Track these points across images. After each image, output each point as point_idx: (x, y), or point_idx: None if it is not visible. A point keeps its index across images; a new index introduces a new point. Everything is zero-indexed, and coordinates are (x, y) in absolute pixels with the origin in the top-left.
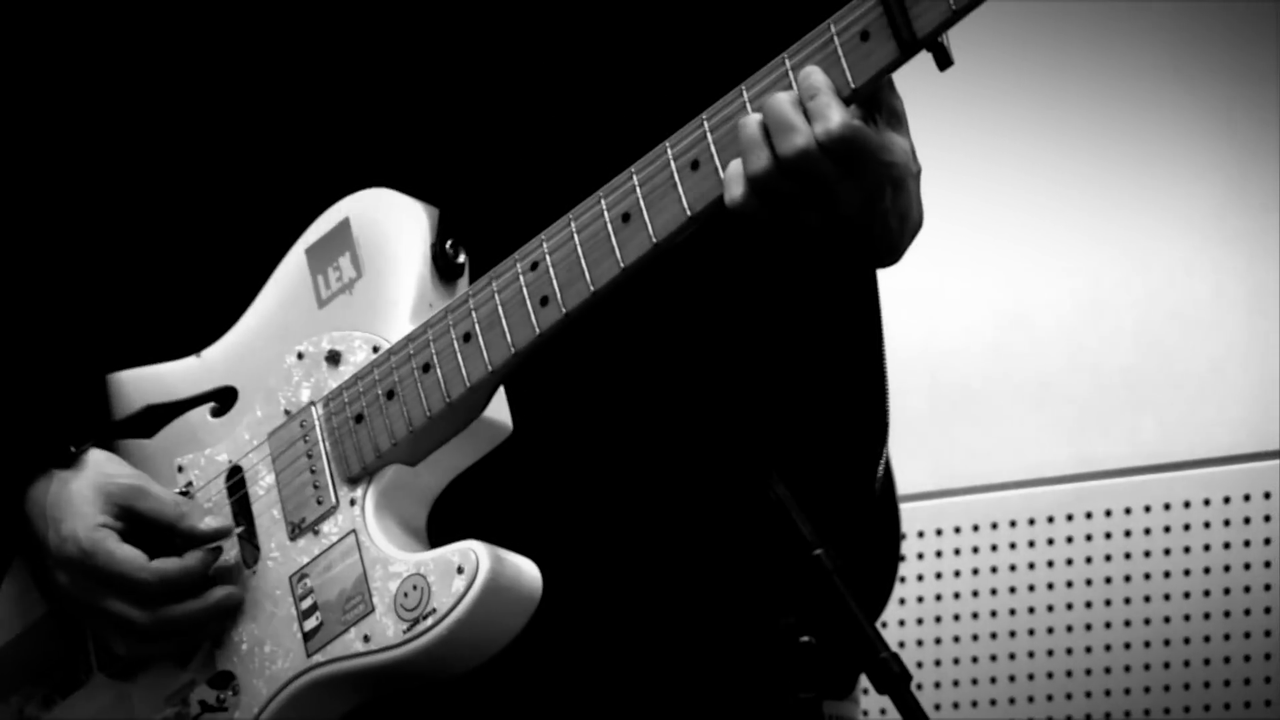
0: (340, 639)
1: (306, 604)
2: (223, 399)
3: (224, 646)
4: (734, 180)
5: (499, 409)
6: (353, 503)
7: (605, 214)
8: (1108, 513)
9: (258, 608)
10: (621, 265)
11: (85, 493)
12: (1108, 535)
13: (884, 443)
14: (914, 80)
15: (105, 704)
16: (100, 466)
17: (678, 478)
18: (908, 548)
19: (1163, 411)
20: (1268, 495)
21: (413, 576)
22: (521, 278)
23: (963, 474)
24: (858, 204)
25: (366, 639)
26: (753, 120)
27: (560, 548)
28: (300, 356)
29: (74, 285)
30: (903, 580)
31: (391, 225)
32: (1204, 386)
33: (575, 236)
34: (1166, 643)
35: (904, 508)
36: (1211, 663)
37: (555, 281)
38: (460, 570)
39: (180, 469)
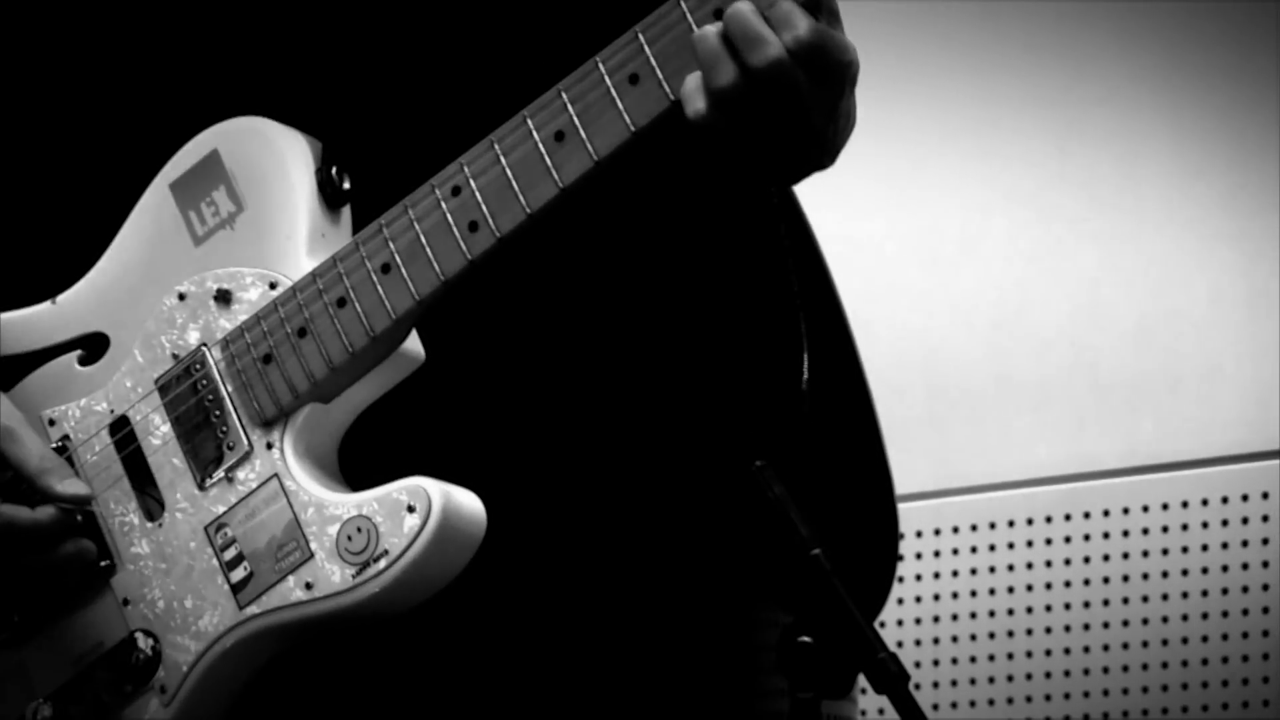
0: (276, 589)
1: (230, 554)
2: (90, 346)
3: (136, 605)
4: (693, 95)
5: (412, 340)
6: (269, 446)
7: (535, 134)
8: (1106, 513)
9: (172, 562)
10: (561, 185)
11: None
12: (1106, 535)
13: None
14: (913, 83)
15: (1, 673)
16: None
17: (611, 419)
18: (906, 547)
19: (1161, 412)
20: (1266, 495)
21: (355, 519)
22: (444, 204)
23: (961, 474)
24: (826, 109)
25: (309, 586)
26: (711, 33)
27: (477, 482)
28: (182, 297)
29: None
30: (901, 580)
31: (270, 155)
32: (1202, 387)
33: (502, 159)
34: (1165, 643)
35: (902, 508)
36: (1210, 663)
37: (484, 206)
38: (412, 509)
39: (51, 422)
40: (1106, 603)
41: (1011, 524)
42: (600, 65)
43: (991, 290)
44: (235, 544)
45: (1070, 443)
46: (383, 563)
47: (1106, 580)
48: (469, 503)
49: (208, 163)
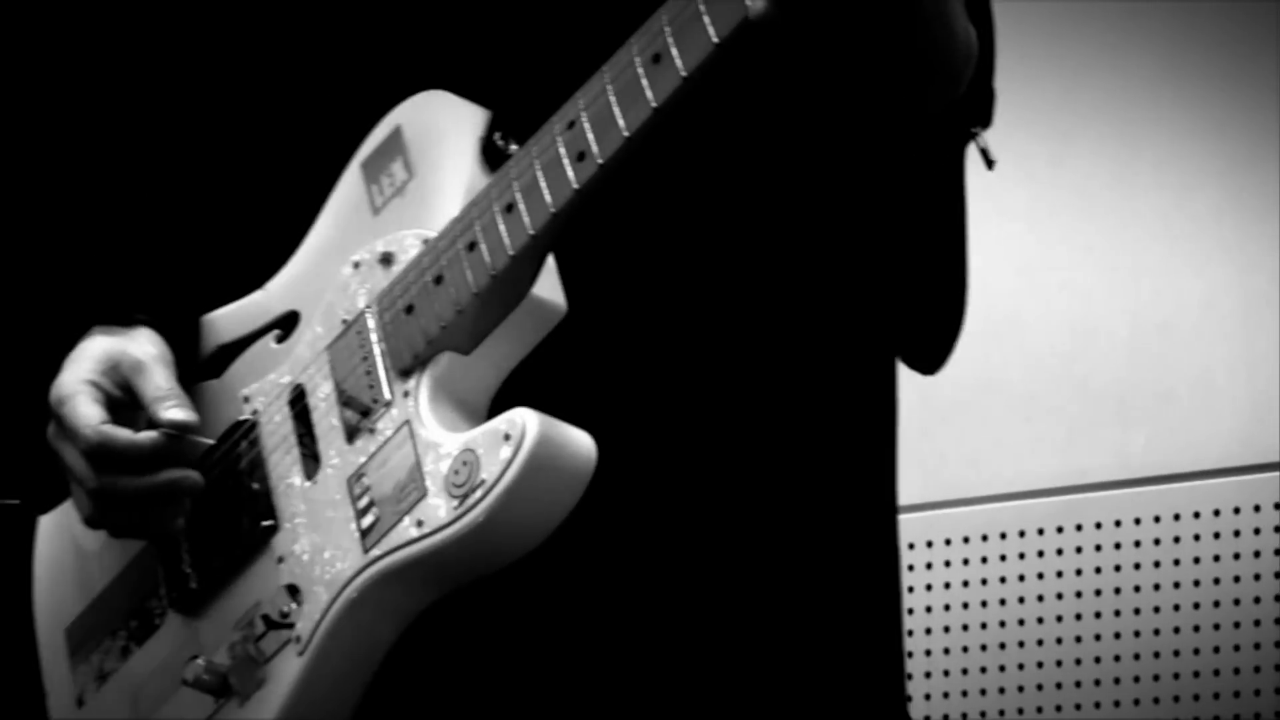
0: (395, 529)
1: (363, 503)
2: (286, 325)
3: (287, 561)
4: None
5: (549, 287)
6: (406, 394)
7: (635, 60)
8: (1099, 525)
9: (318, 517)
10: (654, 105)
11: (95, 351)
12: (1099, 548)
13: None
14: None
15: (180, 643)
16: (134, 339)
17: (770, 365)
18: None
19: (1155, 424)
20: (1257, 509)
21: (463, 453)
22: (559, 138)
23: (954, 486)
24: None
25: (420, 523)
26: None
27: (629, 442)
28: (356, 266)
29: (154, 230)
30: None
31: (441, 124)
32: (1196, 399)
33: (608, 88)
34: (1157, 655)
35: None
36: (1202, 675)
37: (590, 134)
38: (507, 437)
39: (246, 399)
40: (1098, 615)
41: (1004, 536)
42: None
43: (983, 301)
44: (369, 491)
45: (1063, 455)
46: (479, 492)
47: (1098, 593)
48: (572, 436)
49: (391, 138)
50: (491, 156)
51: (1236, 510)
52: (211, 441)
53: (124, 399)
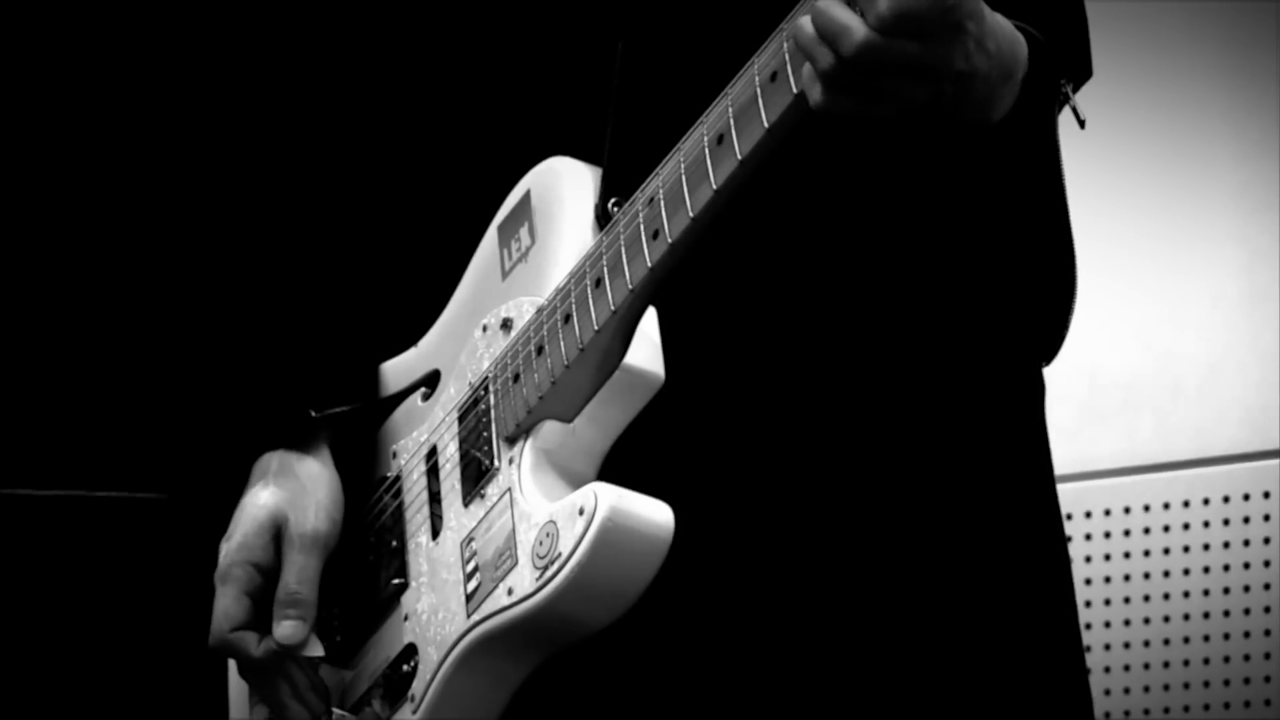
0: (492, 595)
1: (470, 566)
2: (431, 383)
3: (411, 620)
4: (809, 83)
5: (643, 357)
6: (510, 461)
7: (705, 139)
8: (1107, 512)
9: (436, 578)
10: (714, 188)
11: (261, 515)
12: (1107, 535)
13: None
14: None
15: (333, 692)
16: (305, 480)
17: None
18: None
19: (1161, 411)
20: (1267, 495)
21: (547, 524)
22: (641, 214)
23: None
24: (948, 61)
25: (510, 591)
26: (806, 23)
27: (732, 506)
28: (484, 329)
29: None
30: None
31: (561, 190)
32: (1203, 386)
33: (681, 165)
34: (1166, 642)
35: None
36: (1211, 662)
37: (664, 213)
38: (582, 511)
39: (394, 455)
40: (1107, 602)
41: None
42: (754, 65)
43: None
44: (475, 556)
45: (1070, 442)
46: (556, 565)
47: (1107, 579)
48: (645, 508)
49: (522, 203)
50: (604, 222)
51: (1246, 496)
52: (321, 653)
53: (275, 567)
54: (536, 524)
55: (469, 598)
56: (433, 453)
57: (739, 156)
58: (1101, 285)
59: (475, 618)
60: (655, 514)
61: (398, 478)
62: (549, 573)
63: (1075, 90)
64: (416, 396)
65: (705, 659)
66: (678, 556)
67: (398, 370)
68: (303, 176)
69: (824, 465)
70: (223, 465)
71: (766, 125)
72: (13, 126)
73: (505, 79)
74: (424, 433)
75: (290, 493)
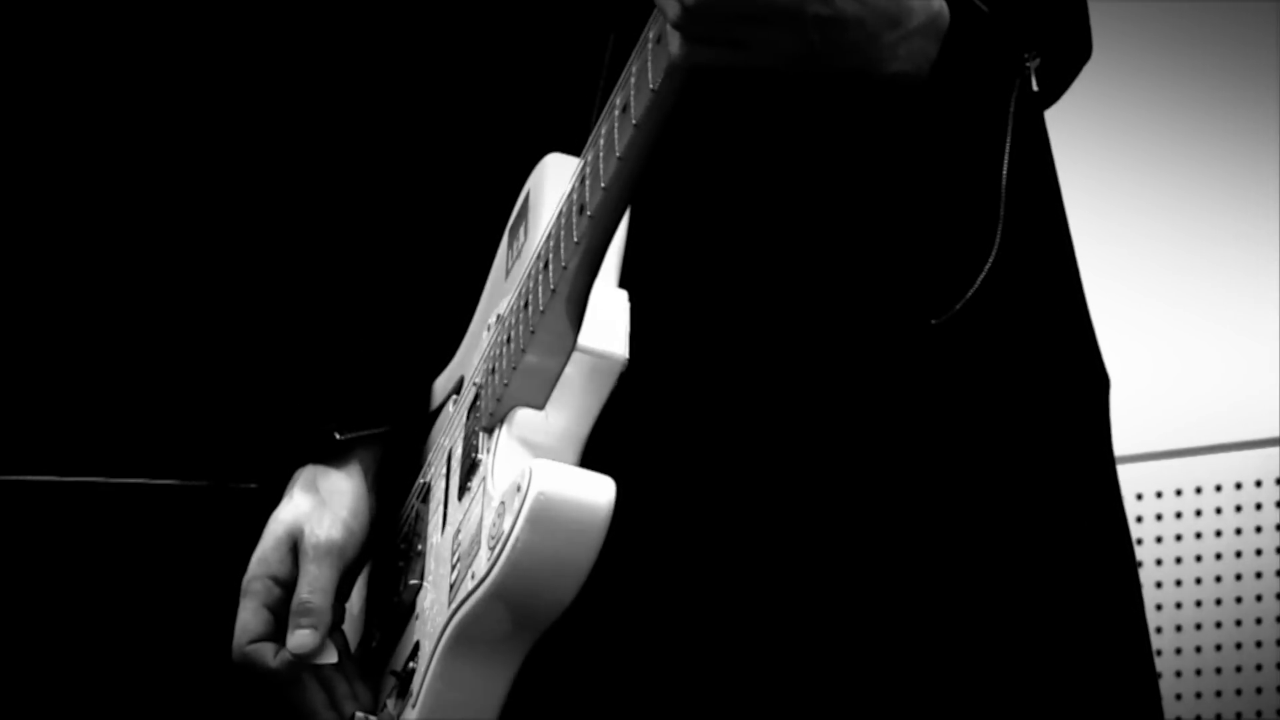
0: (463, 582)
1: (455, 558)
2: (459, 389)
3: (420, 618)
4: (670, 37)
5: (597, 338)
6: (488, 451)
7: (615, 108)
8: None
9: (437, 573)
10: (618, 155)
11: (281, 531)
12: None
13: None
14: None
15: (377, 698)
16: (331, 494)
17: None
18: None
19: (1170, 398)
20: None
21: (499, 505)
22: (573, 193)
23: None
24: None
25: (473, 576)
26: None
27: (731, 495)
28: (489, 329)
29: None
30: None
31: (545, 184)
32: (1211, 374)
33: (600, 140)
34: (1179, 629)
35: None
36: (1224, 649)
37: (587, 187)
38: (519, 489)
39: (430, 463)
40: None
41: None
42: (649, 30)
43: None
44: (459, 548)
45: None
46: (500, 543)
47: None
48: (581, 481)
49: (523, 203)
50: None
51: (1259, 483)
52: (334, 660)
53: (294, 580)
54: (493, 507)
55: (452, 588)
56: (450, 455)
57: (633, 122)
58: (1107, 276)
59: (453, 606)
60: (592, 487)
61: (427, 484)
62: (495, 551)
63: (1076, 70)
64: (449, 403)
65: (708, 658)
66: (677, 552)
67: (441, 383)
68: (324, 191)
69: (828, 450)
70: (262, 476)
71: (653, 87)
72: (79, 124)
73: (501, 75)
74: (445, 437)
75: (309, 506)
